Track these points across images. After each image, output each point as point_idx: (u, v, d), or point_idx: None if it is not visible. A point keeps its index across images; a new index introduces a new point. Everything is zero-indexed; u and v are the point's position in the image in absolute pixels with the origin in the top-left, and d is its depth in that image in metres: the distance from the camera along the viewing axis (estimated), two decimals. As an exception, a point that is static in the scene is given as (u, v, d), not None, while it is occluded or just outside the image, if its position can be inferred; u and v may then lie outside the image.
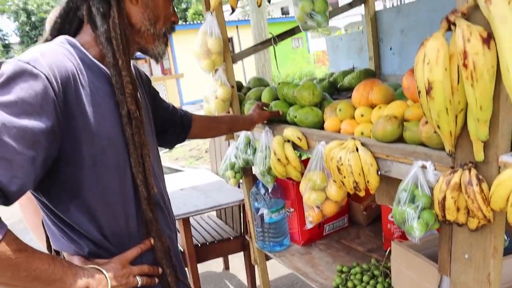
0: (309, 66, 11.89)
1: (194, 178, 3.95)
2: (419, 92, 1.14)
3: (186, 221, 3.23)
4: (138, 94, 1.29)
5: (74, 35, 1.21)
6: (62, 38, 1.16)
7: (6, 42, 34.49)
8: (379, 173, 1.53)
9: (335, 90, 3.00)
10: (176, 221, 3.26)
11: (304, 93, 2.06)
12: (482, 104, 1.04)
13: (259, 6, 1.85)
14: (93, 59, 1.16)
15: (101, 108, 1.12)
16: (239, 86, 2.99)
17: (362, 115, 1.72)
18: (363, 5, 3.17)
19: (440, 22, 1.13)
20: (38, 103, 0.97)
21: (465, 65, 1.02)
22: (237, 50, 16.35)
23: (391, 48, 3.13)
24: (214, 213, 4.15)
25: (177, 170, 8.24)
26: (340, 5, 3.27)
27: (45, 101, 0.98)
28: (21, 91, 0.95)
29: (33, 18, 31.91)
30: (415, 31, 2.92)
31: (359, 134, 1.67)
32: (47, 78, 0.99)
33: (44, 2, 31.71)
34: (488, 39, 1.03)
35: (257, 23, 8.44)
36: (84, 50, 1.16)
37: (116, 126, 1.16)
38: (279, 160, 2.00)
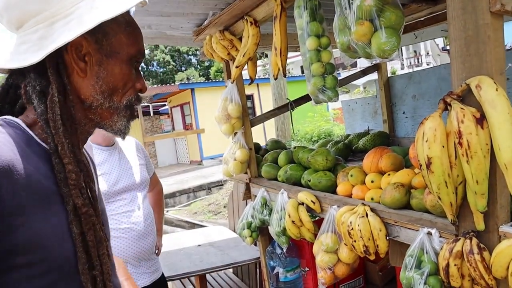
0: (328, 124, 12.12)
1: (211, 235, 4.02)
2: (420, 166, 1.24)
3: (202, 278, 3.28)
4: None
5: (19, 115, 0.99)
6: (0, 120, 0.94)
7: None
8: (387, 238, 1.60)
9: (350, 152, 3.12)
10: (193, 277, 3.31)
11: (318, 158, 2.18)
12: (478, 178, 1.13)
13: (276, 79, 2.01)
14: (39, 141, 0.95)
15: (47, 202, 0.88)
16: (257, 148, 3.13)
17: (372, 181, 1.81)
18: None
19: (438, 103, 1.25)
20: None
21: (460, 144, 1.13)
22: (257, 107, 16.77)
23: (404, 112, 3.26)
24: (230, 269, 4.17)
25: (195, 225, 8.29)
26: (358, 66, 3.46)
27: None
28: None
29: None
30: (427, 97, 3.05)
31: (369, 200, 1.76)
32: None
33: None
34: (481, 119, 1.14)
35: (276, 82, 8.77)
36: (29, 131, 0.95)
37: (64, 222, 0.91)
38: (293, 222, 2.08)
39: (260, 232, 2.80)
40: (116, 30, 1.00)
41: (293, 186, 2.36)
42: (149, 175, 2.61)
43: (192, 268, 3.12)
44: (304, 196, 2.07)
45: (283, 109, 3.04)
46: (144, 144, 14.22)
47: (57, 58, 0.95)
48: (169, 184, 12.57)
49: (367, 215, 1.65)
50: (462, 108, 1.15)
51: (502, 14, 1.15)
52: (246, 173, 2.90)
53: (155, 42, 3.50)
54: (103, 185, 2.17)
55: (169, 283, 4.01)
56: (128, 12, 1.03)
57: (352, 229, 1.65)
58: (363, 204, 1.70)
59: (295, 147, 2.55)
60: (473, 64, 1.20)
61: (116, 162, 2.34)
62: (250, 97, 16.41)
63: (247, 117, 2.83)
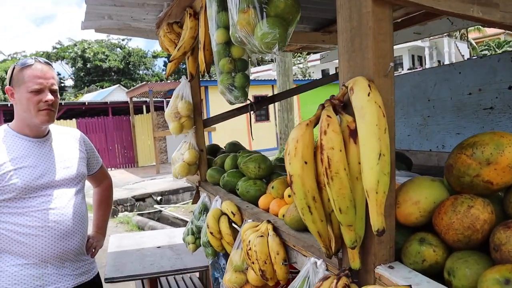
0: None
1: (176, 236, 3.84)
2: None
3: (153, 282, 3.12)
4: None
5: None
6: None
7: (62, 85, 37.09)
8: (285, 263, 1.38)
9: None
10: (145, 281, 3.16)
11: (250, 165, 1.96)
12: (340, 205, 0.90)
13: (203, 76, 1.82)
14: None
15: None
16: (215, 150, 2.94)
17: (289, 196, 1.59)
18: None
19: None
20: None
21: (321, 161, 0.90)
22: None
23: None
24: (197, 274, 4.01)
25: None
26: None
27: None
28: None
29: (88, 65, 34.30)
30: (400, 105, 2.80)
31: (281, 216, 1.53)
32: None
33: (100, 51, 34.07)
34: (356, 131, 0.91)
35: (282, 84, 8.53)
36: None
37: None
38: (211, 233, 1.87)
39: (206, 240, 2.60)
40: None
41: (228, 193, 2.15)
42: (93, 169, 2.45)
43: (140, 271, 2.94)
44: (226, 206, 1.86)
45: (243, 109, 2.83)
46: (154, 139, 14.17)
47: None
48: (174, 180, 12.47)
49: (268, 234, 1.43)
50: (329, 116, 0.92)
51: (386, 1, 0.92)
52: (197, 174, 2.71)
53: (124, 34, 3.34)
54: (23, 178, 2.01)
55: (124, 285, 3.86)
56: None
57: (250, 249, 1.43)
58: (268, 221, 1.48)
59: (240, 152, 2.34)
60: (357, 62, 0.98)
61: (45, 155, 2.17)
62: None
63: (200, 116, 2.63)
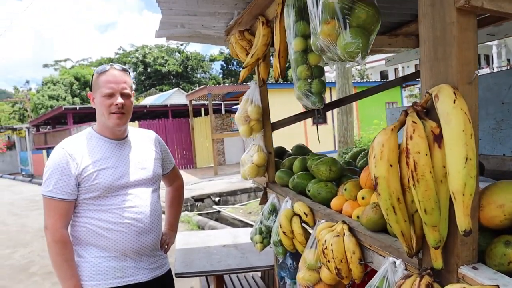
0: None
1: (240, 236, 3.97)
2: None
3: (219, 278, 3.26)
4: None
5: None
6: None
7: (125, 89, 39.16)
8: (361, 262, 1.43)
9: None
10: (210, 277, 3.29)
11: (321, 168, 2.02)
12: (426, 206, 0.95)
13: (277, 81, 1.90)
14: None
15: None
16: (282, 152, 3.02)
17: (362, 198, 1.63)
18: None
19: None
20: None
21: (407, 164, 0.96)
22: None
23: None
24: (259, 273, 4.11)
25: (247, 224, 8.30)
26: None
27: None
28: None
29: (149, 70, 35.83)
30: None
31: (355, 218, 1.59)
32: None
33: (160, 56, 35.49)
34: (440, 136, 0.96)
35: (342, 87, 8.49)
36: None
37: None
38: (284, 233, 1.95)
39: (273, 239, 2.69)
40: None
41: (298, 195, 2.22)
42: (167, 169, 2.59)
43: (207, 268, 3.08)
44: (298, 207, 1.94)
45: (308, 114, 2.89)
46: (212, 141, 14.52)
47: None
48: (232, 182, 12.72)
49: (344, 234, 1.49)
50: (414, 122, 0.97)
51: (470, 11, 0.95)
52: (264, 176, 2.81)
53: (193, 41, 3.51)
54: (106, 178, 2.18)
55: (188, 279, 4.03)
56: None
57: (326, 248, 1.50)
58: (343, 222, 1.54)
59: (308, 155, 2.41)
60: (440, 70, 1.02)
61: (124, 156, 2.32)
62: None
63: (268, 120, 2.73)
